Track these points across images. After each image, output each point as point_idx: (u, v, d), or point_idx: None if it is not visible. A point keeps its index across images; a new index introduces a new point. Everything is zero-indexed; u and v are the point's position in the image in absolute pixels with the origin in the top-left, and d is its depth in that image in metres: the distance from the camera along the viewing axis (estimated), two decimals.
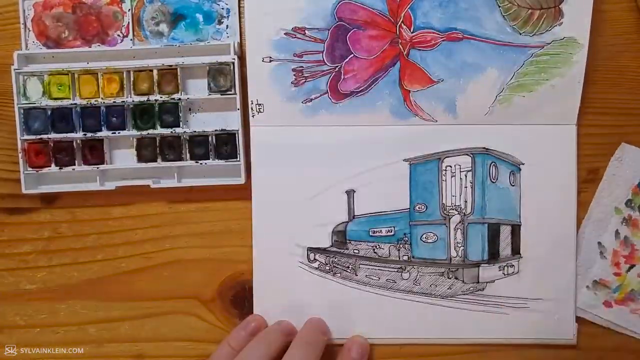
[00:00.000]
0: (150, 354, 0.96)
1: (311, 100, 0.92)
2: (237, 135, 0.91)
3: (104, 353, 0.96)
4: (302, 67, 0.91)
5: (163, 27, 0.92)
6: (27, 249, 0.96)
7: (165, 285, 0.96)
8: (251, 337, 0.89)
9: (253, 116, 0.92)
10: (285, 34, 0.91)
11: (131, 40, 0.92)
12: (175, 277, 0.96)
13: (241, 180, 0.91)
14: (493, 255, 0.92)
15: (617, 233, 0.93)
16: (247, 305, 0.95)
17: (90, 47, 0.92)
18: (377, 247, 0.95)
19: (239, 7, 0.92)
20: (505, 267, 0.93)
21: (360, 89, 0.91)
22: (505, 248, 0.93)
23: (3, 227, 0.96)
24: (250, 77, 0.91)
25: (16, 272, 0.96)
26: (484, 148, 0.92)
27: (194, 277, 0.96)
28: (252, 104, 0.92)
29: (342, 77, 0.91)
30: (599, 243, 0.93)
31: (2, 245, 0.96)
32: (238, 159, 0.91)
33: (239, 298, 0.95)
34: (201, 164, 0.92)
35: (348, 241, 0.95)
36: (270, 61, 0.91)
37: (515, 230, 0.94)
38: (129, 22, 0.92)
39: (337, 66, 0.91)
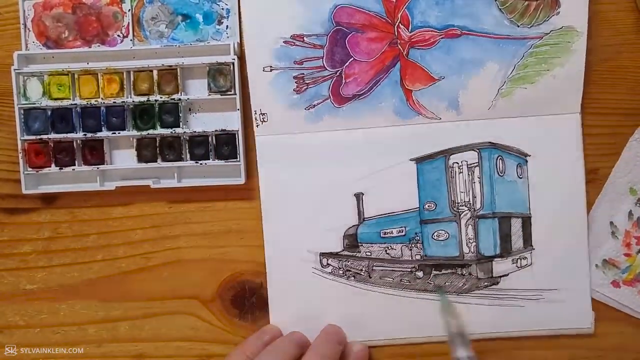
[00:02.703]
0: (150, 354, 0.98)
1: (314, 106, 0.94)
2: (237, 135, 0.93)
3: (104, 353, 0.98)
4: (303, 74, 0.93)
5: (163, 28, 0.94)
6: (27, 249, 0.98)
7: (165, 285, 0.98)
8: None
9: (257, 126, 0.94)
10: (285, 42, 0.93)
11: (131, 40, 0.94)
12: (175, 277, 0.98)
13: (241, 180, 0.93)
14: (505, 249, 0.94)
15: (630, 214, 0.94)
16: (248, 306, 0.97)
17: (90, 47, 0.94)
18: (389, 248, 0.97)
19: (239, 7, 0.94)
20: (519, 260, 0.94)
21: (362, 91, 0.93)
22: (517, 241, 0.95)
23: (3, 227, 0.98)
24: (252, 86, 0.94)
25: (16, 272, 0.98)
26: (490, 142, 0.94)
27: (194, 277, 0.97)
28: (255, 113, 0.94)
29: (344, 81, 0.93)
30: (611, 223, 0.94)
31: (2, 245, 0.98)
32: (238, 159, 0.93)
33: (239, 298, 0.97)
34: (201, 164, 0.94)
35: (360, 244, 0.97)
36: (271, 70, 0.93)
37: (526, 222, 0.95)
38: (128, 23, 0.94)
39: (337, 71, 0.93)
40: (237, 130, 0.93)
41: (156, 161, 0.94)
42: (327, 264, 0.96)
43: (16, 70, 0.93)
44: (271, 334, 0.94)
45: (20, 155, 0.94)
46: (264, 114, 0.94)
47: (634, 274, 0.95)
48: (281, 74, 0.94)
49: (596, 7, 0.92)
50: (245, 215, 0.97)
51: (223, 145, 0.94)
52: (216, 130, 0.94)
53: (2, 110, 0.97)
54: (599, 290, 0.95)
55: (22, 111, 0.94)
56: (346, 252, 0.96)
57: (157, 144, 0.94)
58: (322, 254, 0.96)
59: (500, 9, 0.91)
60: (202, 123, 0.95)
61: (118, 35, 0.95)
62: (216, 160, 0.94)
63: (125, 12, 0.94)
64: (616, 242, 0.95)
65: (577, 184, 0.95)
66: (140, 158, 0.95)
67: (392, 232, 0.97)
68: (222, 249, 0.98)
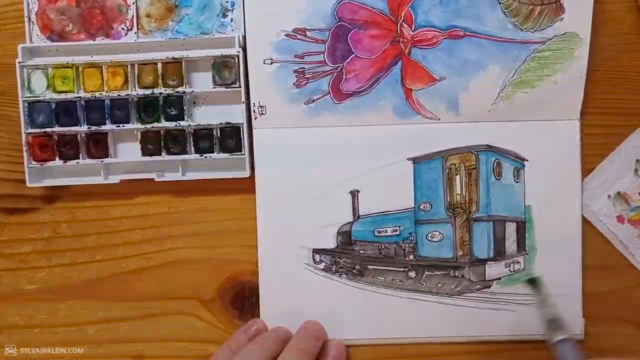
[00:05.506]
0: (150, 354, 0.99)
1: (313, 101, 0.95)
2: (242, 128, 0.94)
3: (103, 353, 0.99)
4: (303, 68, 0.95)
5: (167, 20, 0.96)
6: (26, 249, 0.99)
7: (165, 285, 0.99)
8: (251, 340, 0.93)
9: (255, 118, 0.95)
10: (286, 35, 0.94)
11: (135, 33, 0.96)
12: (175, 278, 0.99)
13: (246, 173, 0.94)
14: (499, 253, 0.95)
15: None
16: (247, 306, 0.98)
17: (94, 40, 0.96)
18: (383, 247, 0.98)
19: (244, 0, 0.95)
20: (512, 264, 0.96)
21: (363, 88, 0.95)
22: (511, 245, 0.96)
23: (3, 227, 0.99)
24: (252, 79, 0.94)
25: (16, 272, 0.99)
26: (488, 145, 0.95)
27: (194, 277, 0.98)
28: (254, 106, 0.95)
29: (344, 77, 0.95)
30: (637, 160, 0.95)
31: (2, 245, 0.99)
32: (243, 153, 0.94)
33: (239, 298, 0.98)
34: (206, 157, 0.95)
35: (353, 242, 0.98)
36: (272, 63, 0.94)
37: (521, 226, 0.96)
38: (133, 15, 0.95)
39: (338, 66, 0.95)
40: (242, 123, 0.94)
41: (160, 154, 0.95)
42: (320, 260, 0.98)
43: (20, 63, 0.94)
44: (257, 328, 0.96)
45: (24, 148, 0.94)
46: (262, 106, 0.95)
47: None
48: (282, 67, 0.95)
49: (598, 6, 0.93)
50: (245, 215, 0.98)
51: (228, 138, 0.95)
52: (221, 123, 0.95)
53: (2, 110, 0.98)
54: (603, 220, 0.96)
55: (26, 104, 0.94)
56: (340, 249, 0.97)
57: (162, 137, 0.95)
58: (315, 250, 0.97)
59: (504, 12, 0.93)
60: (206, 116, 0.97)
61: (122, 28, 0.96)
62: (221, 154, 0.95)
63: (130, 5, 0.96)
64: (636, 179, 0.95)
65: (573, 191, 0.96)
66: (145, 151, 0.96)
67: (386, 231, 0.98)
68: (222, 249, 0.99)
